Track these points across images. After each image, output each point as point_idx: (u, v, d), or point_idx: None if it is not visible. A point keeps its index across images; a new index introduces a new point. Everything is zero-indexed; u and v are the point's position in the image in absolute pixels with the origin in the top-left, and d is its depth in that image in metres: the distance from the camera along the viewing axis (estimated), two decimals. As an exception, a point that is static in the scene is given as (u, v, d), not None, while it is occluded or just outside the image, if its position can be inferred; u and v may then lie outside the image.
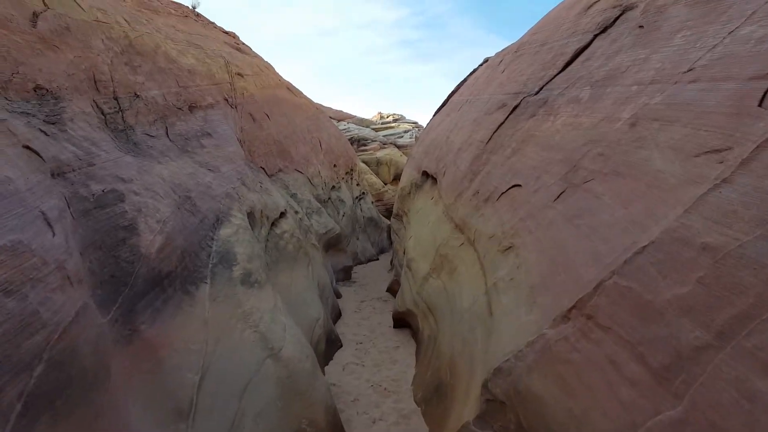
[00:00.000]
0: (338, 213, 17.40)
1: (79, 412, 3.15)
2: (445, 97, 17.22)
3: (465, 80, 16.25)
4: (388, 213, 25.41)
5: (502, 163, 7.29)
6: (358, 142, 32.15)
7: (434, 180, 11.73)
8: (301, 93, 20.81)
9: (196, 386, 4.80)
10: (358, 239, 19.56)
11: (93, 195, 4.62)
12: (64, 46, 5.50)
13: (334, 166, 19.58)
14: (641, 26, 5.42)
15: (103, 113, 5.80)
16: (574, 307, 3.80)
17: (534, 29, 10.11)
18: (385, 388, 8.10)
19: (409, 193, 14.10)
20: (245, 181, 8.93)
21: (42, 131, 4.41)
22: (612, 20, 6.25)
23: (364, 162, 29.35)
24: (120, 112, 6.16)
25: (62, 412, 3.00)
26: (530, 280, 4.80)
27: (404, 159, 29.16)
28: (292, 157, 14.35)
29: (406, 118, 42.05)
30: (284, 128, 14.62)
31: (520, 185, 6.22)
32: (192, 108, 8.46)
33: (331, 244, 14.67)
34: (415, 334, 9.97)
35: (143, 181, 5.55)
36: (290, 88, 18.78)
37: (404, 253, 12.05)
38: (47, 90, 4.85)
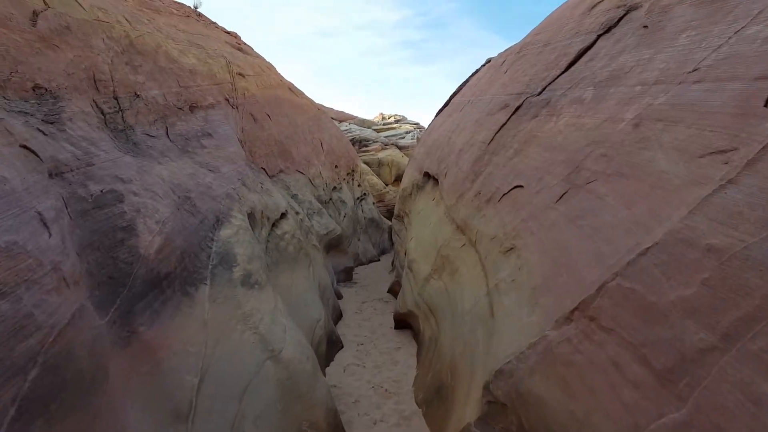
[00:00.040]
0: (339, 214, 17.37)
1: (75, 416, 3.11)
2: (447, 98, 17.19)
3: (467, 81, 16.21)
4: (389, 214, 25.39)
5: (504, 163, 7.24)
6: (360, 143, 32.21)
7: (436, 181, 11.70)
8: (303, 93, 20.80)
9: (195, 388, 4.76)
10: (359, 240, 19.54)
11: (91, 195, 4.59)
12: (64, 46, 5.48)
13: (336, 166, 19.56)
14: (645, 26, 5.38)
15: (102, 113, 5.78)
16: (576, 308, 3.76)
17: (537, 29, 10.06)
18: (386, 390, 8.07)
19: (411, 194, 14.06)
20: (246, 181, 8.90)
21: (40, 131, 4.39)
22: (616, 20, 6.21)
23: (365, 163, 29.39)
24: (120, 112, 6.14)
25: (57, 416, 2.96)
26: (532, 281, 4.76)
27: (406, 160, 29.18)
28: (294, 157, 14.33)
29: (408, 119, 42.01)
30: (285, 129, 14.61)
31: (522, 186, 6.18)
32: (193, 108, 8.44)
33: (332, 244, 14.64)
34: (417, 336, 9.93)
35: (143, 181, 5.52)
36: (292, 89, 18.77)
37: (405, 254, 12.01)
38: (46, 89, 4.83)
